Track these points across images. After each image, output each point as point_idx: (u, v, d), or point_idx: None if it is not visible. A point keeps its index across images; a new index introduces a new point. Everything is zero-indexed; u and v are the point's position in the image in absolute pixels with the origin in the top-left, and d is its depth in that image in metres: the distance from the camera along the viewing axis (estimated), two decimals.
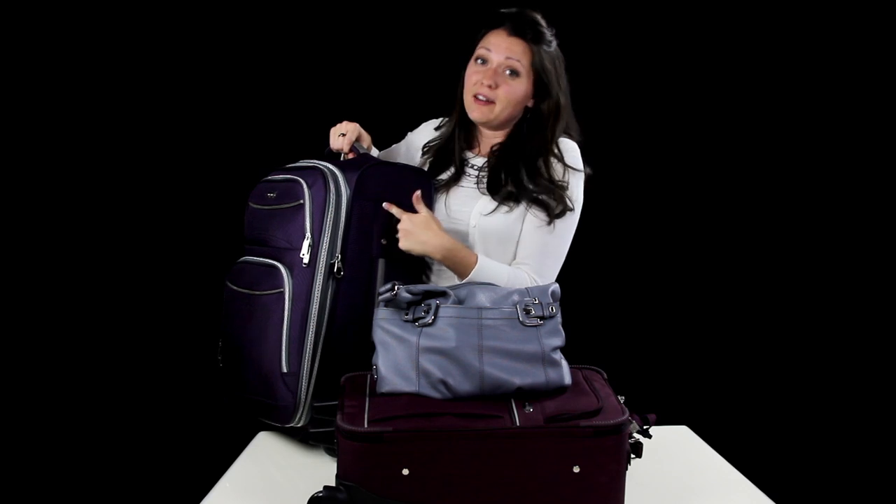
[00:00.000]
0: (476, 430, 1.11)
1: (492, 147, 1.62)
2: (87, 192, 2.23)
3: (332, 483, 1.13)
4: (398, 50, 2.21)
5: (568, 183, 1.55)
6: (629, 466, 1.17)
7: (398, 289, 1.23)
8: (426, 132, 1.74)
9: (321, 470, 1.37)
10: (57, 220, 2.22)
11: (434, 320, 1.21)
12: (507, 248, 1.56)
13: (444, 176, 1.63)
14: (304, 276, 1.39)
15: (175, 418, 2.29)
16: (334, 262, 1.40)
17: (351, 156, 1.59)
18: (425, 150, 1.70)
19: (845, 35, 2.25)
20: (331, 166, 1.47)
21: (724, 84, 2.28)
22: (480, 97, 1.54)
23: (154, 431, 2.28)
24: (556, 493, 1.11)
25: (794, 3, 2.24)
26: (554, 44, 1.57)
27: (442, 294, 1.25)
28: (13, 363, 2.23)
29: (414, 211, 1.47)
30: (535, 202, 1.53)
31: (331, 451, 1.41)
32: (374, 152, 1.72)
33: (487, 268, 1.48)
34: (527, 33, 1.53)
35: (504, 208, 1.54)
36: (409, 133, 1.78)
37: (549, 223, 1.53)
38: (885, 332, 2.33)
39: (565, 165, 1.56)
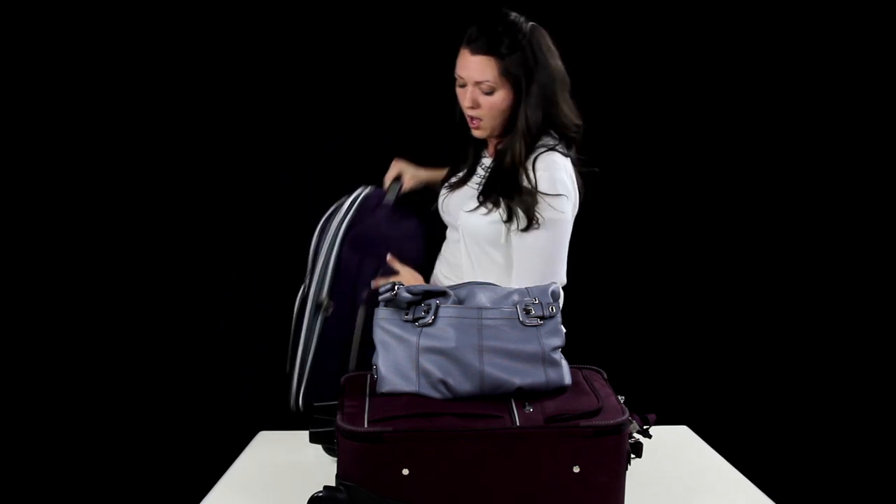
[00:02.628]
0: (476, 430, 1.11)
1: (496, 147, 1.65)
2: (87, 195, 2.23)
3: (332, 483, 1.13)
4: (397, 53, 2.21)
5: (545, 197, 1.50)
6: (629, 466, 1.17)
7: (398, 289, 1.23)
8: None
9: (321, 470, 1.37)
10: (57, 222, 2.22)
11: (434, 320, 1.21)
12: (498, 250, 1.56)
13: (455, 179, 1.71)
14: (302, 308, 1.63)
15: (175, 418, 2.29)
16: (322, 302, 1.59)
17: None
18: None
19: (845, 34, 2.25)
20: (346, 206, 1.66)
21: (723, 84, 2.28)
22: (472, 119, 1.58)
23: (154, 431, 2.28)
24: (556, 493, 1.11)
25: (794, 3, 2.24)
26: (522, 39, 1.50)
27: (442, 294, 1.25)
28: (14, 364, 2.23)
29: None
30: (508, 209, 1.51)
31: (331, 451, 1.41)
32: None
33: None
34: (488, 49, 1.49)
35: (483, 209, 1.55)
36: None
37: (525, 232, 1.50)
38: (885, 332, 2.33)
39: (536, 191, 1.50)
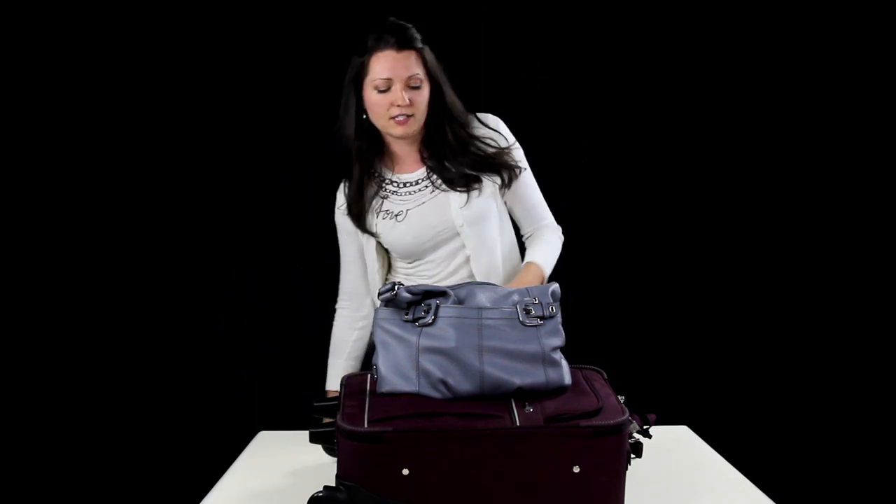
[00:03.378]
0: (476, 430, 1.11)
1: (420, 154, 1.66)
2: (87, 196, 2.23)
3: (332, 483, 1.13)
4: None
5: (510, 145, 1.66)
6: (629, 466, 1.17)
7: (398, 288, 1.23)
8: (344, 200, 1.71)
9: (321, 470, 1.37)
10: (58, 222, 2.22)
11: (434, 320, 1.21)
12: (492, 224, 1.65)
13: (393, 208, 1.64)
14: None
15: (175, 418, 2.29)
16: None
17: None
18: (351, 208, 1.68)
19: (845, 33, 2.25)
20: None
21: (726, 85, 2.28)
22: (399, 117, 1.57)
23: (155, 431, 2.29)
24: (556, 493, 1.11)
25: (793, 3, 2.25)
26: (421, 36, 1.61)
27: (442, 294, 1.25)
28: (16, 364, 2.23)
29: None
30: (499, 175, 1.63)
31: (331, 451, 1.41)
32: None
33: (545, 260, 1.64)
34: (409, 44, 1.57)
35: (475, 192, 1.62)
36: (338, 221, 1.72)
37: (516, 182, 1.65)
38: (884, 332, 2.33)
39: (508, 144, 1.66)
